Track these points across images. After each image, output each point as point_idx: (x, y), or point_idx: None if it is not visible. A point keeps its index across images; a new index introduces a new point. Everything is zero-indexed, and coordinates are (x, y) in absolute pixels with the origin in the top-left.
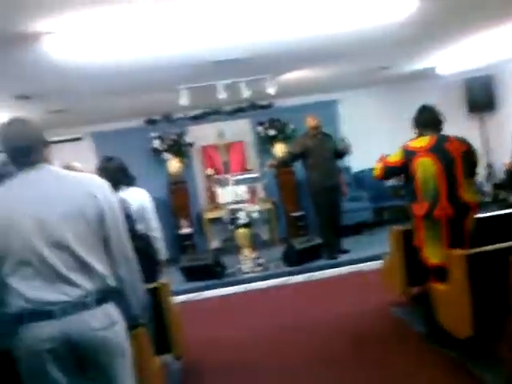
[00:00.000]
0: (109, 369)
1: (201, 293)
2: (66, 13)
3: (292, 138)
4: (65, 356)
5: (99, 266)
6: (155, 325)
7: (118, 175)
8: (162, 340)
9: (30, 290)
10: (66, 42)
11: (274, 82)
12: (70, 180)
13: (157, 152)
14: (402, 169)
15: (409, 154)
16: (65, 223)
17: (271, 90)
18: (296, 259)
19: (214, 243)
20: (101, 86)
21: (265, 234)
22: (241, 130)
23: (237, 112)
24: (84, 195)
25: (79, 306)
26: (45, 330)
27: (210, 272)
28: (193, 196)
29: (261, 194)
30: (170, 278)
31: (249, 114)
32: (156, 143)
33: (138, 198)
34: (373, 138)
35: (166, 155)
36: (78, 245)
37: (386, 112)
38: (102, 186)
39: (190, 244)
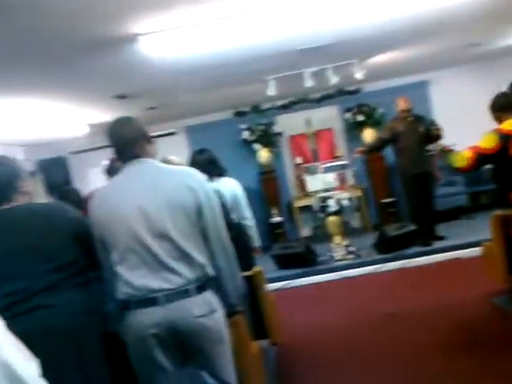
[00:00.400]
0: (209, 354)
1: (293, 280)
2: (160, 13)
3: (381, 123)
4: (168, 341)
5: (198, 255)
6: (251, 311)
7: (208, 167)
8: (259, 326)
9: (136, 277)
10: (161, 41)
11: (361, 67)
12: (170, 173)
13: (246, 143)
14: (498, 155)
15: (505, 138)
16: (166, 214)
17: (359, 75)
18: (388, 246)
19: (305, 231)
20: (192, 82)
21: (355, 222)
22: (329, 117)
23: (324, 99)
24: (183, 188)
25: (181, 293)
26: (150, 316)
27: (301, 260)
28: (283, 185)
29: (350, 180)
30: (263, 266)
31: (336, 101)
32: (245, 134)
33: (230, 187)
34: (466, 119)
35: (256, 146)
36: (178, 235)
37: (480, 91)
38: (199, 178)
39: (281, 232)
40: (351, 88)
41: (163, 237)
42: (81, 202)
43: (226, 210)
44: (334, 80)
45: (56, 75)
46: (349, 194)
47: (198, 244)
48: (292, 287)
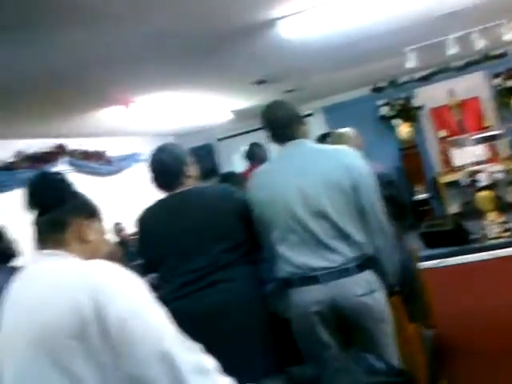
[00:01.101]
0: (371, 333)
1: (443, 260)
2: None
3: None
4: (330, 319)
5: (357, 234)
6: (407, 291)
7: None
8: (414, 306)
9: (296, 256)
10: (298, 23)
11: (510, 27)
12: (326, 152)
13: (385, 119)
14: None
15: None
16: (323, 194)
17: (508, 36)
18: None
19: (453, 208)
20: (329, 61)
21: (510, 196)
22: (474, 85)
23: (468, 66)
24: (339, 166)
25: (342, 272)
26: (312, 294)
27: (451, 238)
28: (426, 160)
29: (504, 152)
30: (409, 245)
31: (482, 67)
32: (384, 110)
33: None
34: None
35: (395, 121)
36: (336, 214)
37: None
38: (355, 156)
39: (427, 209)
40: (498, 52)
41: (321, 216)
42: (242, 185)
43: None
44: (480, 44)
45: (199, 69)
46: (502, 167)
47: (356, 223)
48: (442, 266)
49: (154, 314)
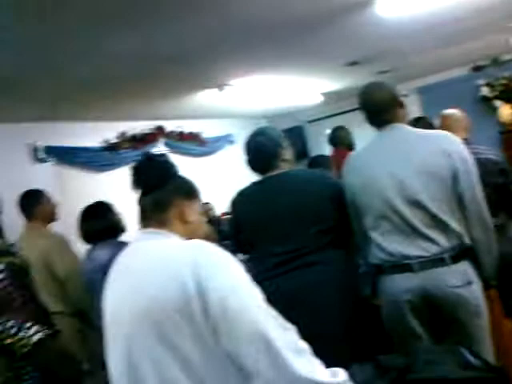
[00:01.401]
0: (465, 326)
1: None
2: None
3: None
4: (422, 309)
5: (454, 223)
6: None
7: None
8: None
9: (389, 243)
10: (396, 1)
11: None
12: (424, 138)
13: (485, 100)
14: None
15: None
16: (420, 181)
17: None
18: None
19: None
20: (426, 40)
21: None
22: None
23: None
24: (438, 153)
25: (436, 261)
26: (403, 282)
27: None
28: None
29: None
30: None
31: None
32: (484, 91)
33: None
34: None
35: (496, 102)
36: (432, 202)
37: None
38: (456, 142)
39: None
40: None
41: (417, 204)
42: (330, 169)
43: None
44: None
45: (291, 51)
46: None
47: (454, 211)
48: None
49: (251, 293)
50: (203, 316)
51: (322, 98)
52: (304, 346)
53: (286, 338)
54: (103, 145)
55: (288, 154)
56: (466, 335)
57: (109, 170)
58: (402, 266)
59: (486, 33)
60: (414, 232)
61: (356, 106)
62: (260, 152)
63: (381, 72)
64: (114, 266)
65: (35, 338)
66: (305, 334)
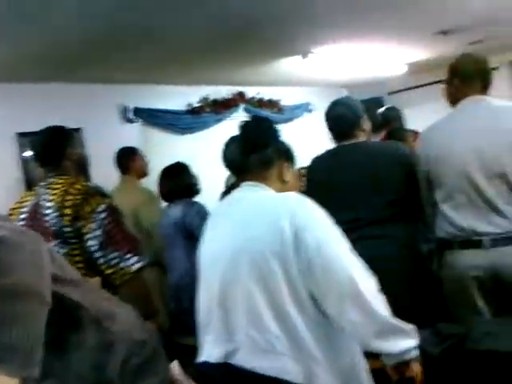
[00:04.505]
0: None
1: None
2: None
3: None
4: (489, 286)
5: None
6: None
7: None
8: None
9: (461, 218)
10: None
11: None
12: (506, 111)
13: None
14: None
15: None
16: (504, 154)
17: None
18: None
19: None
20: None
21: None
22: None
23: None
24: None
25: (508, 239)
26: (472, 258)
27: None
28: None
29: None
30: None
31: None
32: None
33: None
34: None
35: None
36: (511, 177)
37: None
38: None
39: None
40: None
41: (499, 177)
42: (407, 142)
43: None
44: None
45: (376, 18)
46: None
47: None
48: None
49: (343, 243)
50: (296, 260)
51: (405, 69)
52: (382, 296)
53: (370, 285)
54: (186, 108)
55: (366, 124)
56: None
57: (190, 132)
58: (472, 241)
59: None
60: (490, 207)
61: (441, 77)
62: (340, 120)
63: (472, 43)
64: (213, 212)
65: (135, 267)
66: None
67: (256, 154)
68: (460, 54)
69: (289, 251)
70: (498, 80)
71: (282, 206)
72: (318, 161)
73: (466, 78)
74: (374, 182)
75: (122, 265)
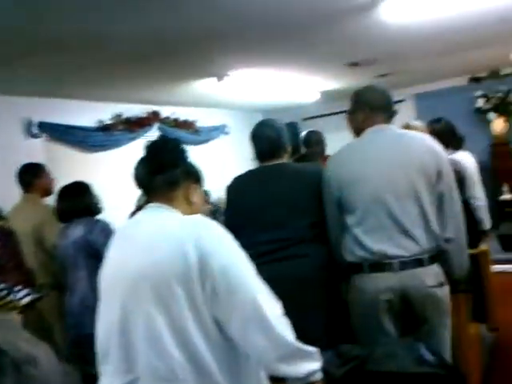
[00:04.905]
0: (434, 325)
1: None
2: None
3: None
4: (397, 308)
5: (435, 224)
6: (473, 292)
7: (446, 137)
8: (478, 308)
9: (372, 241)
10: (400, 7)
11: None
12: (411, 137)
13: (480, 112)
14: None
15: None
16: (410, 178)
17: None
18: None
19: None
20: (428, 47)
21: None
22: None
23: None
24: (426, 151)
25: (415, 262)
26: (383, 281)
27: None
28: None
29: None
30: (487, 245)
31: None
32: (480, 102)
33: (462, 163)
34: None
35: (490, 115)
36: (421, 200)
37: None
38: (438, 145)
39: (510, 211)
40: None
41: (407, 200)
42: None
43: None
44: None
45: (292, 47)
46: None
47: (434, 212)
48: None
49: (248, 268)
50: (200, 285)
51: (319, 96)
52: (286, 320)
53: (274, 309)
54: (97, 125)
55: (289, 146)
56: (434, 333)
57: (102, 150)
58: (382, 264)
59: (487, 45)
60: (400, 230)
61: None
62: (267, 141)
63: (380, 75)
64: (116, 233)
65: (24, 301)
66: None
67: (162, 174)
68: (366, 85)
69: (193, 275)
70: (405, 111)
71: (186, 229)
72: (239, 181)
73: (374, 108)
74: (297, 203)
75: (10, 297)
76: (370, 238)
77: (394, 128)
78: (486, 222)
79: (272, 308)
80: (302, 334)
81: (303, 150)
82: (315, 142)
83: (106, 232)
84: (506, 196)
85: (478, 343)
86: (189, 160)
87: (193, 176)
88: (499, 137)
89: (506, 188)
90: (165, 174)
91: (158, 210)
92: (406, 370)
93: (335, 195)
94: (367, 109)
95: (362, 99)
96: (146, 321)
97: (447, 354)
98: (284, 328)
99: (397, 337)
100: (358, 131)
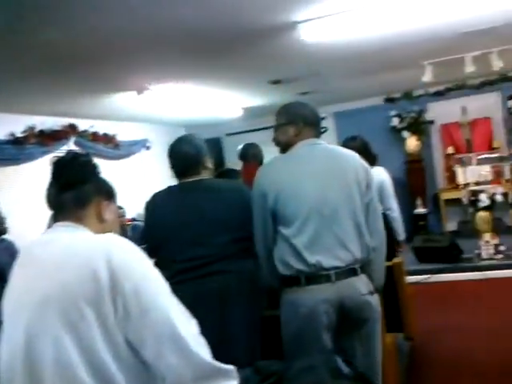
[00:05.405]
0: (370, 332)
1: (432, 275)
2: (319, 0)
3: None
4: (334, 318)
5: (367, 235)
6: (388, 302)
7: (361, 154)
8: (394, 318)
9: (309, 254)
10: (319, 28)
11: None
12: (342, 152)
13: (395, 130)
14: None
15: None
16: (344, 192)
17: None
18: None
19: (450, 225)
20: (346, 67)
21: (508, 219)
22: (487, 105)
23: (484, 86)
24: (358, 166)
25: (350, 272)
26: (322, 293)
27: (444, 255)
28: (430, 175)
29: (507, 175)
30: (403, 257)
31: (497, 88)
32: (395, 121)
33: (378, 176)
34: None
35: (405, 133)
36: (356, 213)
37: None
38: (361, 159)
39: (423, 224)
40: None
41: (343, 212)
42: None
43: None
44: (497, 65)
45: (215, 64)
46: (504, 189)
47: (364, 224)
48: (431, 282)
49: (162, 284)
50: (111, 305)
51: (242, 113)
52: (202, 339)
53: (190, 328)
54: (8, 138)
55: (209, 162)
56: (369, 339)
57: (11, 164)
58: (319, 276)
59: (401, 67)
60: (337, 242)
61: (274, 123)
62: (184, 157)
63: (302, 93)
64: (21, 254)
65: None
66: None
67: (70, 191)
68: (296, 101)
69: (104, 296)
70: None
71: (97, 248)
72: (158, 198)
73: (308, 123)
74: (217, 220)
75: None
76: (307, 249)
77: (324, 143)
78: (401, 233)
79: (187, 327)
80: (224, 351)
81: (240, 163)
82: (252, 155)
83: (11, 251)
84: (419, 210)
85: (394, 352)
86: (100, 175)
87: (104, 192)
88: (413, 154)
89: (419, 202)
90: (73, 190)
91: (66, 229)
92: (323, 383)
93: (270, 207)
94: (301, 123)
95: (294, 113)
96: (54, 346)
97: (380, 359)
98: (200, 347)
99: (332, 349)
100: (287, 145)
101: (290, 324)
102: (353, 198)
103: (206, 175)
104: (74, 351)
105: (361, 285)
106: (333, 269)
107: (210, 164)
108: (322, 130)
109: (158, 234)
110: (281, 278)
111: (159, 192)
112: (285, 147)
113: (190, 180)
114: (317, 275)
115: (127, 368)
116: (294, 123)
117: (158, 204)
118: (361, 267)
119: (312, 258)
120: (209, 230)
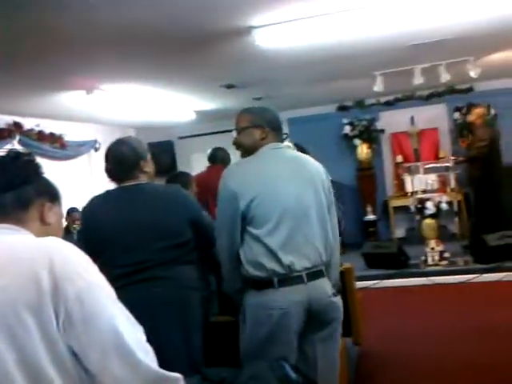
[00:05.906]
0: (334, 331)
1: (380, 281)
2: (275, 7)
3: (494, 126)
4: (302, 320)
5: (330, 237)
6: None
7: None
8: (343, 323)
9: (282, 254)
10: (274, 34)
11: (477, 64)
12: (305, 157)
13: (347, 138)
14: None
15: None
16: (312, 195)
17: (473, 73)
18: (487, 256)
19: (398, 232)
20: (300, 74)
21: (453, 227)
22: (435, 116)
23: (432, 97)
24: (320, 171)
25: (318, 273)
26: (295, 295)
27: (392, 261)
28: (380, 183)
29: (452, 184)
30: (352, 263)
31: (445, 99)
32: (347, 129)
33: None
34: None
35: (356, 141)
36: (323, 215)
37: None
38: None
39: (373, 231)
40: (462, 86)
41: (313, 213)
42: (188, 186)
43: None
44: (445, 77)
45: (170, 66)
46: (449, 198)
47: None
48: (379, 287)
49: (107, 290)
50: (53, 312)
51: (194, 116)
52: (149, 346)
53: (136, 336)
54: None
55: (148, 166)
56: (332, 337)
57: None
58: (291, 278)
59: (354, 76)
60: (307, 243)
61: (227, 127)
62: (120, 160)
63: (255, 98)
64: None
65: None
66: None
67: (11, 191)
68: (260, 106)
69: (46, 302)
70: None
71: (39, 252)
72: (96, 201)
73: (274, 127)
74: (153, 226)
75: None
76: (281, 250)
77: (286, 147)
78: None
79: (133, 334)
80: (168, 359)
81: (208, 164)
82: (221, 158)
83: None
84: (369, 216)
85: (343, 357)
86: (43, 176)
87: (47, 194)
88: (364, 162)
89: (369, 209)
90: (14, 191)
91: (6, 232)
92: None
93: (240, 208)
94: (267, 127)
95: (261, 117)
96: None
97: (339, 359)
98: (147, 355)
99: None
100: (251, 148)
101: (259, 327)
102: (321, 200)
103: (144, 179)
104: (12, 362)
105: (327, 286)
106: (304, 270)
107: (149, 168)
108: (284, 137)
109: (95, 238)
110: (248, 280)
111: (97, 196)
112: (248, 150)
113: (128, 184)
114: (290, 276)
115: (71, 380)
116: (260, 127)
117: (95, 209)
118: (326, 269)
119: (286, 259)
120: (146, 236)
